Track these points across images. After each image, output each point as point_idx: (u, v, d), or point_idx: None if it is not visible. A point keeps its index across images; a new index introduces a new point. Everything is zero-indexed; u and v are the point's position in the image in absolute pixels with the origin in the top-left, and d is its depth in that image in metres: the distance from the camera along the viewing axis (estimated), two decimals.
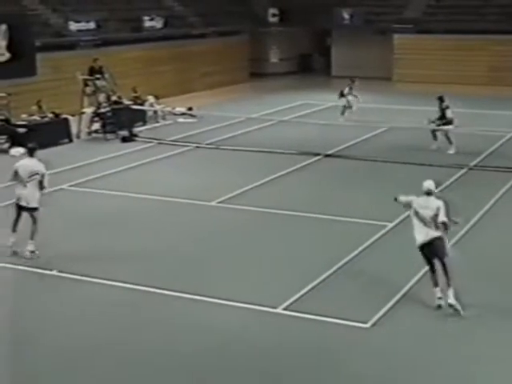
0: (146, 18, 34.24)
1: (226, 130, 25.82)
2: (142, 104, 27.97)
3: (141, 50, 33.08)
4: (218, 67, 37.40)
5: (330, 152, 22.05)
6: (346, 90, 26.95)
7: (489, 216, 15.97)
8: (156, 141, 24.21)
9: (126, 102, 27.17)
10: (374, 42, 40.10)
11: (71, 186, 18.81)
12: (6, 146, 23.09)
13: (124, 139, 24.46)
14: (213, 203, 17.11)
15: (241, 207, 16.77)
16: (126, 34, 33.04)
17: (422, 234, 11.27)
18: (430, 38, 38.22)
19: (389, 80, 38.79)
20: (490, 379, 9.49)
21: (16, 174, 13.71)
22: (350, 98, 26.73)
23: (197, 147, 23.37)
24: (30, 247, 13.68)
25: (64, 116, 25.02)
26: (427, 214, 11.23)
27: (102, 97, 26.02)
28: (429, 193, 11.40)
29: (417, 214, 11.37)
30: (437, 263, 11.32)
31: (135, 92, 28.43)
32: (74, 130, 25.00)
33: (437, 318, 11.05)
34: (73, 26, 30.87)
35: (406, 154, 21.51)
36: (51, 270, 13.05)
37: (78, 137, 25.22)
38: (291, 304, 11.46)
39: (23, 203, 13.67)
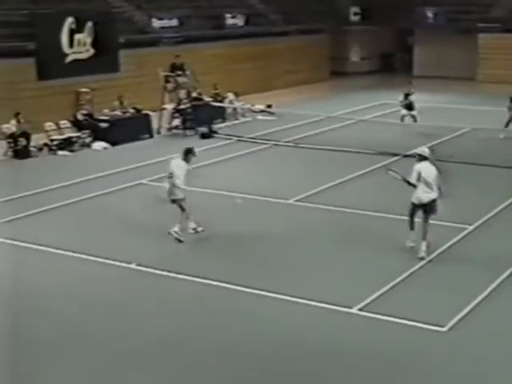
0: (228, 15, 34.54)
1: (305, 128, 25.79)
2: (221, 101, 28.19)
3: (222, 47, 33.34)
4: (299, 65, 37.44)
5: (409, 152, 21.71)
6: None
7: None
8: (235, 138, 24.35)
9: (206, 98, 27.45)
10: (458, 42, 39.46)
11: (150, 180, 19.06)
12: (89, 140, 23.59)
13: (203, 136, 24.67)
14: (290, 201, 17.10)
15: (318, 206, 16.70)
16: (208, 31, 33.39)
17: (424, 195, 13.13)
18: None
19: (472, 80, 38.10)
20: None
21: None
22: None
23: (275, 145, 23.41)
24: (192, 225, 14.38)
25: (145, 112, 25.42)
26: (429, 177, 13.03)
27: (182, 93, 26.34)
28: (425, 158, 13.20)
29: (420, 176, 13.10)
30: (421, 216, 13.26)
31: (216, 89, 28.65)
32: (154, 125, 25.37)
33: None
34: (156, 23, 31.35)
35: (486, 156, 21.17)
36: (130, 263, 13.26)
37: (159, 132, 25.58)
38: (367, 305, 11.38)
39: None
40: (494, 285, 12.14)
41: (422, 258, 13.17)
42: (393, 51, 44.40)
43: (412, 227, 13.63)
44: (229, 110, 28.21)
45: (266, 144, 23.54)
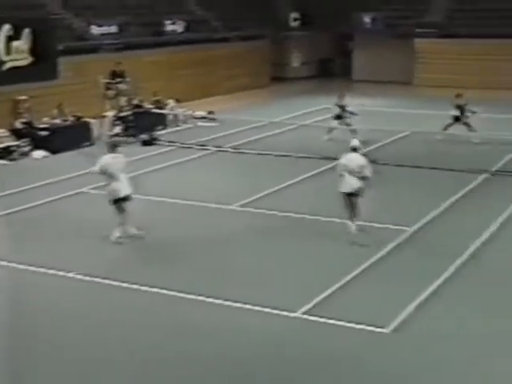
0: (168, 22, 34.37)
1: (246, 133, 25.81)
2: (162, 108, 28.06)
3: (162, 54, 33.17)
4: (240, 71, 37.47)
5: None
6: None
7: None
8: (177, 144, 24.26)
9: (147, 105, 27.29)
10: (396, 47, 39.97)
11: (92, 188, 18.85)
12: (29, 148, 23.23)
13: (145, 143, 24.55)
14: (234, 206, 17.09)
15: (262, 211, 16.74)
16: (148, 38, 33.18)
17: (349, 184, 14.43)
18: (452, 42, 38.04)
19: (410, 84, 38.63)
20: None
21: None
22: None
23: (217, 151, 23.39)
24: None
25: (86, 119, 25.15)
26: (353, 167, 14.35)
27: (123, 100, 26.17)
28: (354, 149, 14.64)
29: (346, 167, 14.47)
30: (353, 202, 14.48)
31: (156, 96, 28.51)
32: (95, 133, 25.09)
33: (459, 320, 11.00)
34: (95, 30, 31.05)
35: (425, 159, 21.44)
36: (70, 271, 13.10)
37: (100, 140, 25.29)
38: (311, 308, 11.42)
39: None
40: (435, 285, 12.28)
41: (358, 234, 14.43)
42: (332, 56, 44.76)
43: (350, 216, 14.65)
44: (170, 117, 28.10)
45: (208, 150, 23.50)
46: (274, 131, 25.92)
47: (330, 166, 20.82)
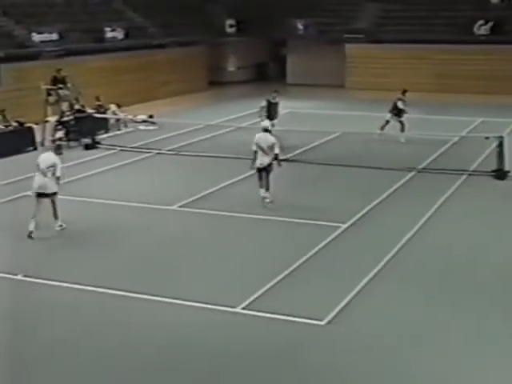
0: (108, 29, 34.05)
1: (185, 136, 25.74)
2: (104, 112, 27.78)
3: (103, 60, 32.79)
4: (178, 76, 37.25)
5: (285, 157, 22.08)
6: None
7: (438, 214, 16.20)
8: (118, 148, 24.06)
9: (89, 110, 26.98)
10: (327, 52, 40.26)
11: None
12: None
13: (87, 147, 24.28)
14: (174, 207, 17.06)
15: (201, 211, 16.74)
16: (89, 44, 32.77)
17: (260, 160, 16.53)
18: (379, 47, 38.50)
19: (342, 87, 39.01)
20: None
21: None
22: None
23: (158, 153, 23.27)
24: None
25: (28, 125, 24.76)
26: (263, 146, 16.40)
27: (65, 106, 25.83)
28: (266, 130, 16.73)
29: (258, 144, 16.49)
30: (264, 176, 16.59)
31: (98, 100, 28.23)
32: (38, 138, 24.71)
33: (389, 314, 11.19)
34: (36, 37, 30.58)
35: (357, 158, 21.67)
36: (16, 274, 12.88)
37: (43, 144, 24.88)
38: (250, 303, 11.48)
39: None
40: (368, 277, 12.49)
41: (271, 202, 16.67)
42: (267, 61, 44.88)
43: (261, 185, 16.82)
44: (111, 121, 27.85)
45: (149, 153, 23.37)
46: (212, 134, 25.90)
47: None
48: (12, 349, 10.21)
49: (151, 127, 27.84)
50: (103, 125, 27.01)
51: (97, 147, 24.30)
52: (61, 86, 25.76)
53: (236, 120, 29.05)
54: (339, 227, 15.28)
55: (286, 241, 14.66)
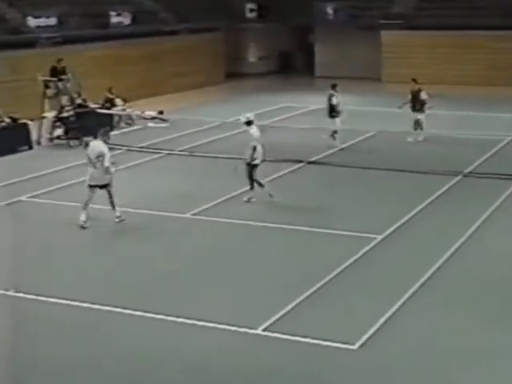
0: (113, 13, 34.24)
1: (200, 135, 25.84)
2: (111, 108, 27.94)
3: (107, 48, 33.03)
4: (192, 67, 37.50)
5: (313, 159, 22.23)
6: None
7: (487, 225, 16.16)
8: (124, 147, 24.23)
9: (92, 105, 27.12)
10: (361, 40, 40.28)
11: (31, 197, 18.75)
12: None
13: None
14: (187, 215, 17.15)
15: (217, 219, 16.82)
16: (91, 30, 32.96)
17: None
18: (420, 34, 38.40)
19: (377, 81, 38.96)
20: None
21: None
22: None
23: (169, 154, 23.41)
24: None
25: (23, 121, 24.95)
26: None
27: (64, 100, 25.98)
28: (249, 122, 18.25)
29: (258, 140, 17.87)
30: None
31: (110, 93, 28.40)
32: (34, 136, 24.90)
33: (426, 336, 11.19)
34: (31, 22, 30.77)
35: (395, 161, 21.73)
36: (7, 290, 13.01)
37: (39, 143, 25.16)
38: (272, 324, 11.50)
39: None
40: (406, 296, 12.45)
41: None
42: (292, 50, 44.92)
43: (257, 185, 18.01)
44: (116, 118, 28.04)
45: (159, 154, 23.50)
46: (230, 132, 25.96)
47: (294, 168, 21.23)
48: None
49: (161, 125, 27.99)
50: (108, 122, 27.10)
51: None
52: (61, 77, 25.93)
53: (257, 117, 28.83)
54: (373, 239, 15.29)
55: (311, 254, 14.69)
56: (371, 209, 17.52)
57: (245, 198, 18.07)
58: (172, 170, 21.73)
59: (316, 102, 28.96)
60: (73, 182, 19.92)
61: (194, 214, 17.20)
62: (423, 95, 24.69)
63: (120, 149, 24.05)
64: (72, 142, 24.88)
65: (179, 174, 21.14)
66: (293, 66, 44.59)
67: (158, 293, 12.92)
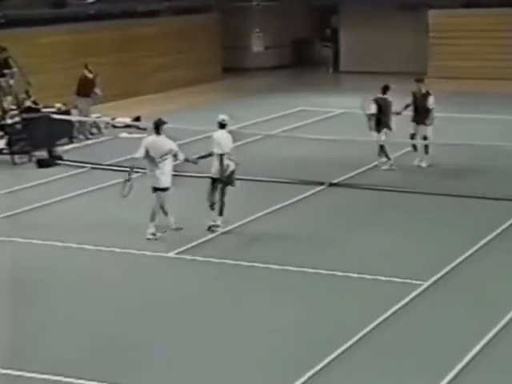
0: None
1: (188, 148, 25.71)
2: (68, 112, 27.88)
3: (64, 33, 33.17)
4: (177, 59, 37.75)
5: (337, 180, 22.35)
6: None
7: None
8: (88, 165, 24.37)
9: (46, 108, 26.98)
10: (401, 22, 40.51)
11: None
12: None
13: (41, 163, 24.55)
14: (170, 254, 17.20)
15: (209, 259, 16.86)
16: (43, 10, 33.03)
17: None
18: (480, 13, 38.59)
19: (423, 75, 38.85)
20: None
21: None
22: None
23: (147, 174, 23.41)
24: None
25: None
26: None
27: (8, 101, 25.98)
28: (222, 125, 18.96)
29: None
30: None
31: (89, 72, 28.34)
32: None
33: None
34: None
35: (443, 182, 21.95)
36: None
37: None
38: None
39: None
40: (461, 365, 12.35)
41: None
42: (310, 37, 45.10)
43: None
44: (77, 125, 28.17)
45: (134, 173, 23.43)
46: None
47: (312, 191, 21.39)
48: None
49: (138, 135, 27.92)
50: (67, 130, 27.16)
51: (56, 164, 24.61)
52: (3, 71, 25.95)
53: (263, 125, 29.18)
54: (417, 286, 15.27)
55: (337, 306, 14.69)
56: (413, 246, 17.58)
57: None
58: (149, 194, 21.67)
59: (341, 104, 29.11)
60: (19, 210, 20.04)
61: (180, 253, 17.26)
62: (431, 102, 23.68)
63: (82, 166, 24.22)
64: (18, 158, 24.91)
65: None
66: (310, 58, 44.84)
67: (122, 361, 12.76)
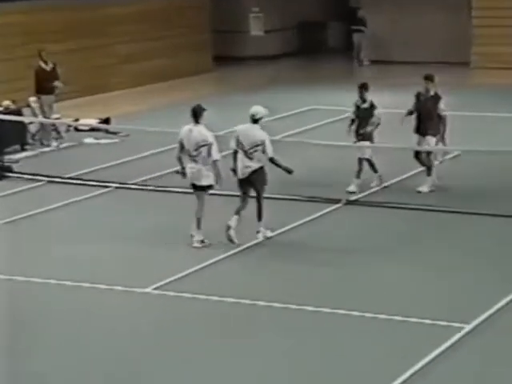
0: None
1: (167, 157, 25.74)
2: (18, 112, 27.89)
3: (14, 13, 33.34)
4: (156, 46, 37.98)
5: (355, 197, 22.53)
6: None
7: None
8: (45, 178, 24.48)
9: None
10: (437, 0, 40.66)
11: None
12: None
13: None
14: (148, 290, 17.30)
15: (194, 296, 16.99)
16: None
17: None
18: None
19: (463, 66, 39.31)
20: None
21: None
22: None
23: (117, 188, 23.72)
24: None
25: None
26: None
27: None
28: (255, 120, 19.97)
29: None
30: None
31: (44, 62, 28.41)
32: None
33: None
34: None
35: (492, 198, 22.08)
36: None
37: None
38: None
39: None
40: None
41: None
42: (322, 19, 45.43)
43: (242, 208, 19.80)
44: (33, 129, 28.33)
45: (101, 188, 23.57)
46: (220, 152, 25.88)
47: (326, 210, 21.56)
48: None
49: (106, 140, 28.26)
50: (17, 136, 27.24)
51: (6, 176, 24.79)
52: None
53: (265, 128, 29.10)
54: (458, 330, 15.33)
55: (368, 350, 14.85)
56: (449, 280, 17.63)
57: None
58: (122, 215, 21.91)
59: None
60: None
61: (157, 288, 17.38)
62: (442, 108, 23.16)
63: (37, 180, 24.36)
64: None
65: (132, 222, 21.28)
66: (323, 44, 45.14)
67: None
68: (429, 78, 23.54)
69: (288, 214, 21.12)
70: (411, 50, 40.45)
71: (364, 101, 23.35)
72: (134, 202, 22.95)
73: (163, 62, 37.93)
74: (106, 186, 23.65)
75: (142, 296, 17.13)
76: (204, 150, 19.12)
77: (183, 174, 19.46)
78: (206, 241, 19.34)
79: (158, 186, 23.65)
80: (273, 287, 17.47)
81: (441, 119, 23.25)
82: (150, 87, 36.39)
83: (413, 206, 21.65)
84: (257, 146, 19.56)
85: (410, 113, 23.60)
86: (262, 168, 19.72)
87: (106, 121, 29.09)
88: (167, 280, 17.71)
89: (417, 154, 23.17)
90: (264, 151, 19.56)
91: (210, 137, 19.25)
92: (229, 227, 19.26)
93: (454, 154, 25.40)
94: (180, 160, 19.49)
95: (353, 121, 23.48)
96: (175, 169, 20.45)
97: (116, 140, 27.98)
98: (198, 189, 19.41)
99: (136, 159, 26.33)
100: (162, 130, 27.29)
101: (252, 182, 19.61)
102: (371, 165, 23.35)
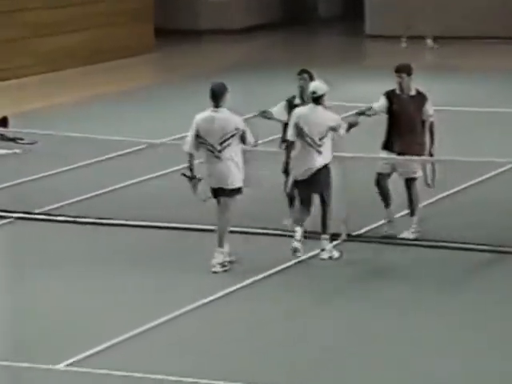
0: None
1: (89, 174, 25.53)
2: None
3: None
4: (75, 16, 38.32)
5: (356, 232, 22.65)
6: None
7: None
8: None
9: None
10: None
11: None
12: None
13: None
14: (59, 366, 17.12)
15: (117, 373, 16.73)
16: None
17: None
18: None
19: (506, 42, 39.75)
20: None
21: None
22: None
23: (18, 219, 23.65)
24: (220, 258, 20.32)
25: None
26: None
27: None
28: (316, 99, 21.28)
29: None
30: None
31: None
32: None
33: None
34: None
35: None
36: None
37: None
38: None
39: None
40: None
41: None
42: None
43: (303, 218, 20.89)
44: None
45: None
46: (165, 169, 26.17)
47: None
48: None
49: (5, 151, 28.15)
50: None
51: None
52: None
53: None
54: None
55: None
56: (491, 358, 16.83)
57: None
58: (23, 257, 21.71)
59: (368, 92, 29.32)
60: None
61: (70, 365, 17.10)
62: (429, 112, 22.28)
63: None
64: None
65: (39, 269, 21.05)
66: (312, 12, 45.69)
67: None
68: (403, 70, 22.46)
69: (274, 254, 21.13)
70: (432, 21, 41.41)
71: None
72: (38, 237, 23.13)
73: (85, 38, 38.21)
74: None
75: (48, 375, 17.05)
76: (234, 141, 19.75)
77: (194, 178, 19.95)
78: (226, 263, 20.11)
79: (74, 217, 23.59)
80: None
81: (424, 128, 22.22)
82: (66, 73, 36.28)
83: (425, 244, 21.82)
84: (326, 132, 20.17)
85: (362, 113, 22.91)
86: (327, 165, 20.34)
87: (3, 122, 28.58)
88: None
89: (382, 182, 22.26)
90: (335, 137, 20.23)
91: (240, 122, 19.95)
92: (296, 249, 19.98)
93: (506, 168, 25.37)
94: (191, 161, 20.12)
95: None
96: (182, 172, 20.59)
97: (16, 150, 27.55)
98: (224, 194, 19.99)
99: (43, 177, 26.33)
100: (84, 134, 27.05)
101: (315, 184, 20.30)
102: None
